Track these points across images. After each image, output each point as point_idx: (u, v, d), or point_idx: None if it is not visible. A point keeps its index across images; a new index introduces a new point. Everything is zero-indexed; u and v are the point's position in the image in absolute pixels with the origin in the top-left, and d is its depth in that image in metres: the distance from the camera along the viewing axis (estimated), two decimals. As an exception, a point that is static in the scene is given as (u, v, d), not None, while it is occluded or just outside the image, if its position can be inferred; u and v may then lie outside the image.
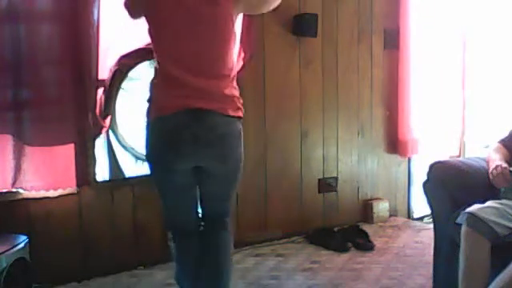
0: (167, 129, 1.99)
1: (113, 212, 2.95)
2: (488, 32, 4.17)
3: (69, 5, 2.61)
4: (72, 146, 2.71)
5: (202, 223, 2.24)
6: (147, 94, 2.10)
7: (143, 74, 3.09)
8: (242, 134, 2.12)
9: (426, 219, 4.06)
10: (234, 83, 2.11)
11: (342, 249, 3.30)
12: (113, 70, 2.82)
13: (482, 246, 2.07)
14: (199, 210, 2.24)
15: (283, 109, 3.52)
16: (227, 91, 2.05)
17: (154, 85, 2.07)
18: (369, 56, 3.87)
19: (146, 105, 2.09)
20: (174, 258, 2.22)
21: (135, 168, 3.10)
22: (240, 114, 2.10)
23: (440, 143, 4.07)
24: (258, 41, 3.26)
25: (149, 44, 2.80)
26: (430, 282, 2.62)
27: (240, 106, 2.10)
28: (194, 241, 2.19)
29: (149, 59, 2.98)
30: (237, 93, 2.10)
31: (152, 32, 2.06)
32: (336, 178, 3.79)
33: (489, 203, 2.17)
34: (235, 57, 2.16)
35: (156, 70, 2.08)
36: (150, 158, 2.10)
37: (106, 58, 2.79)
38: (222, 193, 2.18)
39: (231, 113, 2.04)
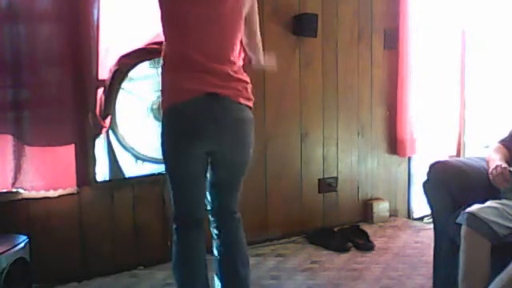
0: (185, 114, 2.02)
1: (113, 212, 2.95)
2: (488, 32, 4.17)
3: (69, 5, 2.61)
4: (72, 146, 2.71)
5: (213, 218, 2.25)
6: (160, 85, 2.12)
7: (143, 73, 3.11)
8: (253, 123, 2.16)
9: (426, 219, 4.07)
10: (242, 70, 2.17)
11: (342, 249, 3.30)
12: (113, 70, 2.82)
13: (482, 246, 2.07)
14: (207, 205, 2.25)
15: (283, 109, 3.52)
16: (238, 76, 2.11)
17: (168, 71, 2.08)
18: (369, 56, 3.87)
19: (161, 95, 2.11)
20: (174, 254, 2.21)
21: (135, 168, 3.10)
22: (250, 104, 2.15)
23: (439, 143, 4.07)
24: (257, 41, 3.26)
25: (149, 44, 2.85)
26: (430, 282, 2.62)
27: (251, 96, 2.15)
28: (200, 234, 2.19)
29: (149, 59, 2.99)
30: (247, 79, 2.16)
31: (169, 19, 2.08)
32: (336, 178, 3.79)
33: (489, 203, 2.16)
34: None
35: (167, 56, 2.09)
36: (166, 144, 2.10)
37: (106, 58, 2.79)
38: (234, 180, 2.21)
39: (242, 101, 2.10)
